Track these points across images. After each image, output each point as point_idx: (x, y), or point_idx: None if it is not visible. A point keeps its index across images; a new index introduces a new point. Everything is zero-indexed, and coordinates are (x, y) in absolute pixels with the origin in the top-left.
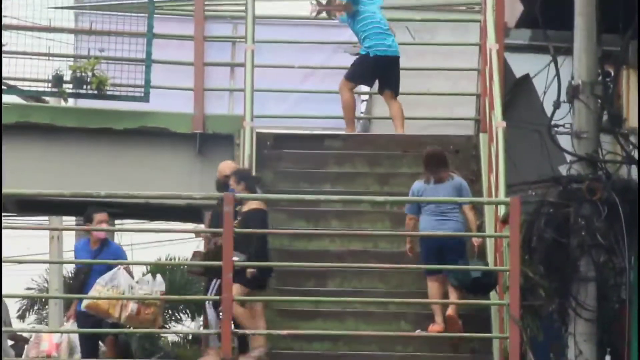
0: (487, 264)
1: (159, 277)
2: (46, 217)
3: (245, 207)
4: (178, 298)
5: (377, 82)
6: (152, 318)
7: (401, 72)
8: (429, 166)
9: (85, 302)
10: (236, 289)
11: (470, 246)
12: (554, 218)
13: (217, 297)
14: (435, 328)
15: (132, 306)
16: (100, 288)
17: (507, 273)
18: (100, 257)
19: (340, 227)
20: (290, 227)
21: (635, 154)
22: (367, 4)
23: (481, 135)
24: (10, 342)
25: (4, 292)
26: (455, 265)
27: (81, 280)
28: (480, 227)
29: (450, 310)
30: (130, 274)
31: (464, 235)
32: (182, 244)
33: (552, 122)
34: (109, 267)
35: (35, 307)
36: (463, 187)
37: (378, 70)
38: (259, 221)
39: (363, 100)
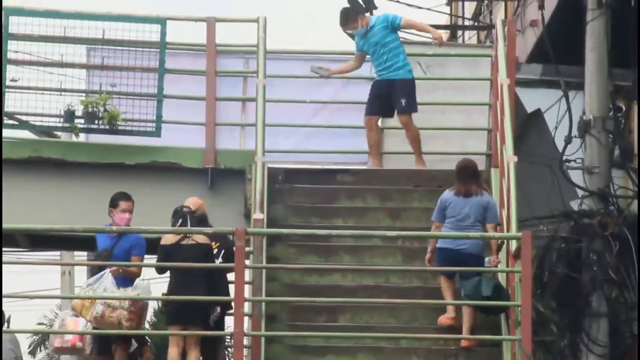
0: (497, 284)
1: (144, 282)
2: (57, 252)
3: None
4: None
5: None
6: (117, 321)
7: None
8: (460, 178)
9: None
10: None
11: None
12: (565, 253)
13: (229, 332)
14: (445, 321)
15: (97, 308)
16: (79, 289)
17: (519, 308)
18: (120, 243)
19: (351, 262)
20: (302, 262)
21: None
22: (360, 42)
23: (492, 169)
24: None
25: (16, 327)
26: (469, 281)
27: (97, 268)
28: (501, 247)
29: (464, 342)
30: (133, 275)
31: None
32: None
33: (564, 157)
34: (127, 255)
35: (46, 343)
36: (490, 205)
37: (381, 95)
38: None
39: None
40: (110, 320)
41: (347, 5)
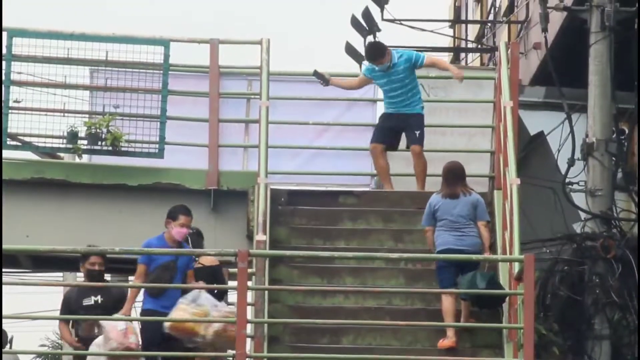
0: (493, 275)
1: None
2: (60, 273)
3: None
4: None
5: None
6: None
7: None
8: (447, 180)
9: (168, 324)
10: None
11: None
12: (568, 275)
13: (232, 353)
14: (446, 343)
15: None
16: (184, 307)
17: (522, 330)
18: (181, 257)
19: (354, 284)
20: (304, 284)
21: None
22: (378, 75)
23: (495, 192)
24: None
25: (18, 348)
26: (464, 277)
27: (167, 279)
28: (493, 245)
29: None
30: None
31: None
32: None
33: (567, 180)
34: (187, 269)
35: None
36: (479, 203)
37: (391, 127)
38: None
39: None
40: (231, 334)
41: (374, 40)
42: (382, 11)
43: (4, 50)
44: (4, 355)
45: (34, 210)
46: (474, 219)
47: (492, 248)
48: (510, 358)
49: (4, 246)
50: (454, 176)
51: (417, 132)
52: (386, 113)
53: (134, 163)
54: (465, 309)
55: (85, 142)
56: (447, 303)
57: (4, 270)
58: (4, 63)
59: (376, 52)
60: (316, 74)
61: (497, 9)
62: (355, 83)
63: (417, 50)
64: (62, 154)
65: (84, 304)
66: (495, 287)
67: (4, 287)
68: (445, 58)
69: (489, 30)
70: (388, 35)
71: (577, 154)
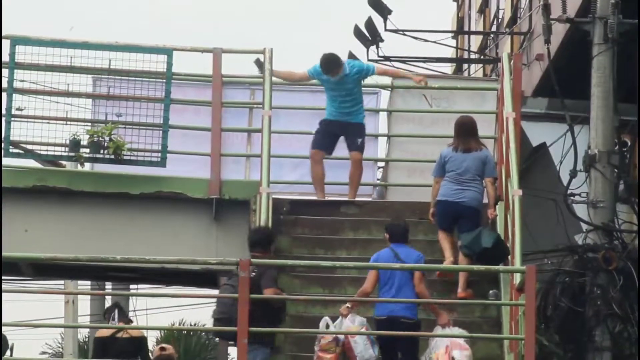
0: (498, 235)
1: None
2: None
3: None
4: None
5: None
6: None
7: (420, 138)
8: (459, 134)
9: None
10: None
11: (485, 218)
12: (569, 287)
13: None
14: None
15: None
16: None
17: (523, 341)
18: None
19: (355, 294)
20: (306, 293)
21: None
22: (331, 82)
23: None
24: None
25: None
26: (469, 233)
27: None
28: (498, 201)
29: (461, 292)
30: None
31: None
32: (197, 309)
33: (569, 191)
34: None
35: None
36: (488, 160)
37: (332, 133)
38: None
39: (379, 167)
40: None
41: (329, 52)
42: (385, 21)
43: (7, 58)
44: None
45: (36, 218)
46: (481, 175)
47: (497, 204)
48: None
49: (5, 254)
50: (465, 131)
51: (359, 140)
52: (327, 119)
53: (136, 171)
54: (463, 279)
55: (87, 150)
56: (443, 235)
57: (4, 277)
58: (6, 71)
59: (332, 64)
60: (258, 62)
61: (500, 20)
62: (295, 76)
63: (420, 61)
64: (64, 162)
65: None
66: (500, 248)
67: (4, 294)
68: (447, 69)
69: (491, 41)
70: (391, 46)
71: (579, 166)
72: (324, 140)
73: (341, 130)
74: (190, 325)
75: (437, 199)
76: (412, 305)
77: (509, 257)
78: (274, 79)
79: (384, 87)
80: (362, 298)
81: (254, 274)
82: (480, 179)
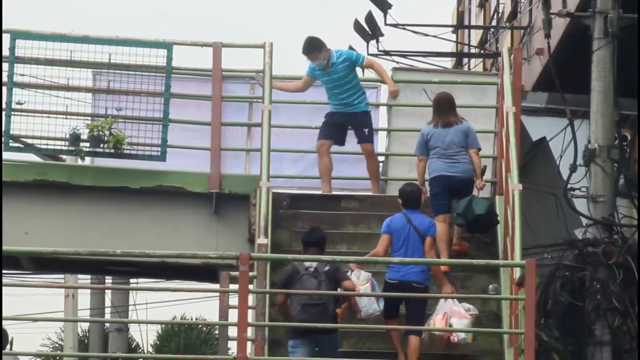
0: (491, 203)
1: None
2: (61, 275)
3: None
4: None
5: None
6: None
7: (418, 133)
8: (438, 110)
9: None
10: None
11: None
12: (569, 281)
13: (232, 357)
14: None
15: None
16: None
17: (522, 336)
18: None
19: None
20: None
21: None
22: (319, 73)
23: (497, 197)
24: None
25: (19, 349)
26: (462, 200)
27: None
28: (484, 172)
29: (456, 246)
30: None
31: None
32: (197, 303)
33: (569, 186)
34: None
35: None
36: (470, 131)
37: (338, 124)
38: None
39: (379, 162)
40: None
41: (312, 35)
42: (385, 16)
43: (7, 52)
44: (4, 357)
45: (36, 212)
46: (465, 147)
47: (483, 174)
48: None
49: (5, 248)
50: (445, 106)
51: (366, 130)
52: (331, 112)
53: (136, 166)
54: (457, 233)
55: (87, 144)
56: (440, 228)
57: (4, 271)
58: (6, 65)
59: (310, 47)
60: (257, 77)
61: (500, 14)
62: (300, 85)
63: (420, 56)
64: (64, 156)
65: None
66: (492, 215)
67: (4, 288)
68: (447, 63)
69: (491, 35)
70: (391, 40)
71: (579, 160)
72: (329, 130)
73: (346, 120)
74: (192, 319)
75: (431, 176)
76: (423, 271)
77: (509, 252)
78: (274, 73)
79: (384, 81)
80: (373, 258)
81: (327, 268)
82: (465, 150)
